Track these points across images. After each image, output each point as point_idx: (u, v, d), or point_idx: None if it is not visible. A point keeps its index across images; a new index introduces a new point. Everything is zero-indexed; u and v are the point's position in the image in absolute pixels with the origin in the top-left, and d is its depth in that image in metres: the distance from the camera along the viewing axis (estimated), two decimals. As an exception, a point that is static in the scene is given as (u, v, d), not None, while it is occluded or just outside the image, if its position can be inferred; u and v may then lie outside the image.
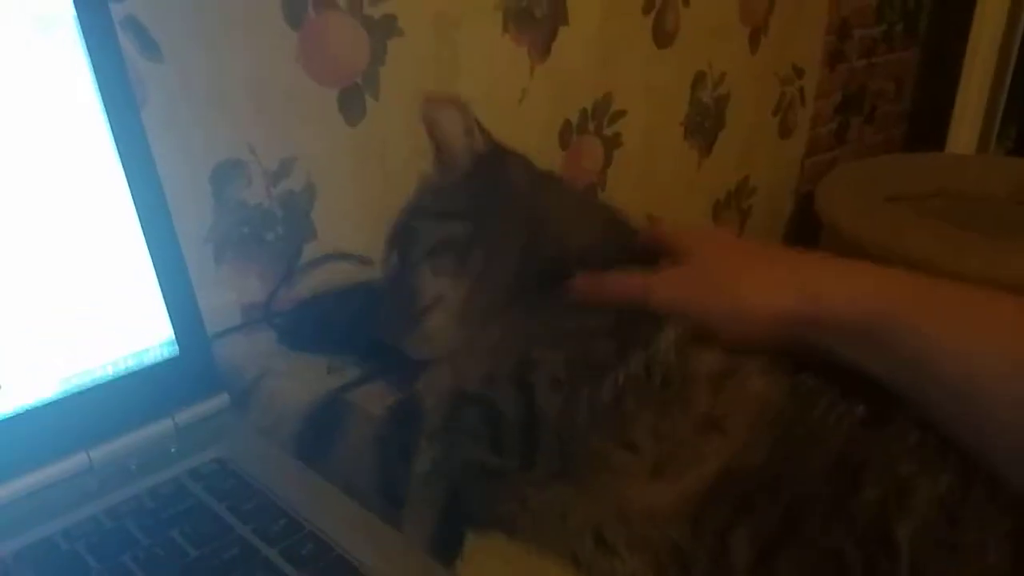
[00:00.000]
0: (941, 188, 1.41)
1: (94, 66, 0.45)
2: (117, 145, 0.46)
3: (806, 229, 1.37)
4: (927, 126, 1.66)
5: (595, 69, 0.96)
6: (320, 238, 0.73)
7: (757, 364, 0.46)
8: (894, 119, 1.66)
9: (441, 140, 0.57)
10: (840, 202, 1.27)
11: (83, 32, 0.44)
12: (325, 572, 0.39)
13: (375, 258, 0.71)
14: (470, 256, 0.53)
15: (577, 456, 0.44)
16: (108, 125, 0.46)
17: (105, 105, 0.46)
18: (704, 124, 1.15)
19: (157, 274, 0.48)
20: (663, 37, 1.02)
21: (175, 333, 0.48)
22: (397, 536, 0.42)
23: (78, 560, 0.39)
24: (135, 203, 0.47)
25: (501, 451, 0.45)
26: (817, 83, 1.36)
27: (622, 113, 1.01)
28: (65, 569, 0.39)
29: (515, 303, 0.52)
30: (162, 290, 0.48)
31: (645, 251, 0.54)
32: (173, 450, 0.46)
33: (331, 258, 0.73)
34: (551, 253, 0.54)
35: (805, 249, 0.52)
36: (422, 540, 0.43)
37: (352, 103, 0.72)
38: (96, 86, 0.45)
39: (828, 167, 1.43)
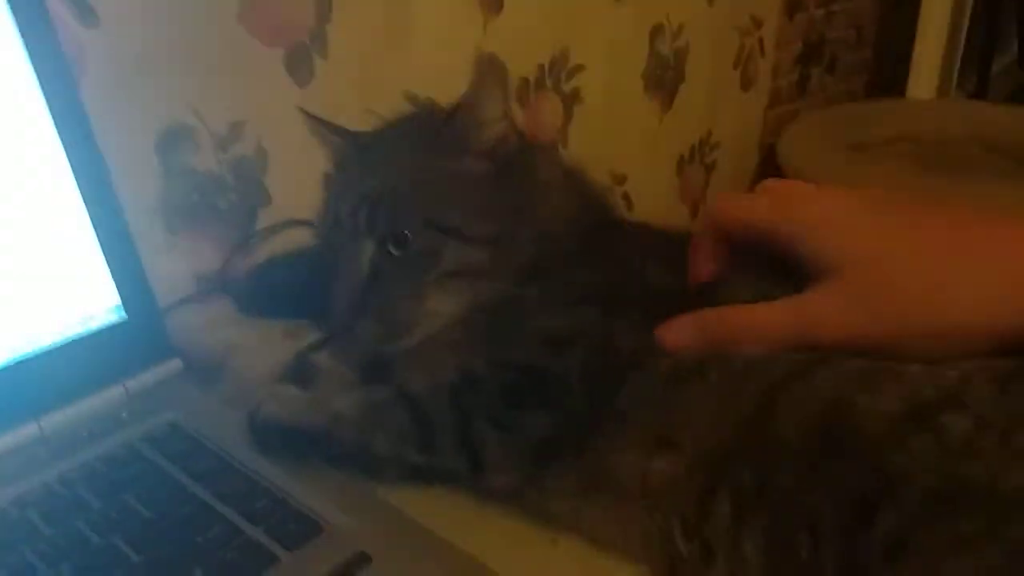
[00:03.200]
0: (903, 134, 1.41)
1: (23, 34, 0.44)
2: (52, 113, 0.46)
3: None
4: (888, 73, 1.66)
5: (550, 23, 0.95)
6: (274, 204, 0.72)
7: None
8: (855, 68, 1.66)
9: (475, 113, 0.52)
10: (802, 152, 1.27)
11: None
12: (283, 526, 0.38)
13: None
14: (481, 282, 0.49)
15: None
16: (42, 93, 0.45)
17: (38, 73, 0.45)
18: (664, 77, 1.14)
19: (100, 241, 0.47)
20: (618, -11, 1.01)
21: (122, 299, 0.48)
22: (357, 489, 0.42)
23: (30, 527, 0.39)
24: (74, 170, 0.46)
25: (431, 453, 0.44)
26: (776, 33, 1.36)
27: (580, 68, 1.00)
28: (17, 537, 0.38)
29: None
30: (106, 257, 0.47)
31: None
32: (124, 415, 0.46)
33: (286, 224, 0.72)
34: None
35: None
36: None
37: (300, 63, 0.71)
38: (27, 54, 0.44)
39: (790, 118, 1.43)
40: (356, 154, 0.57)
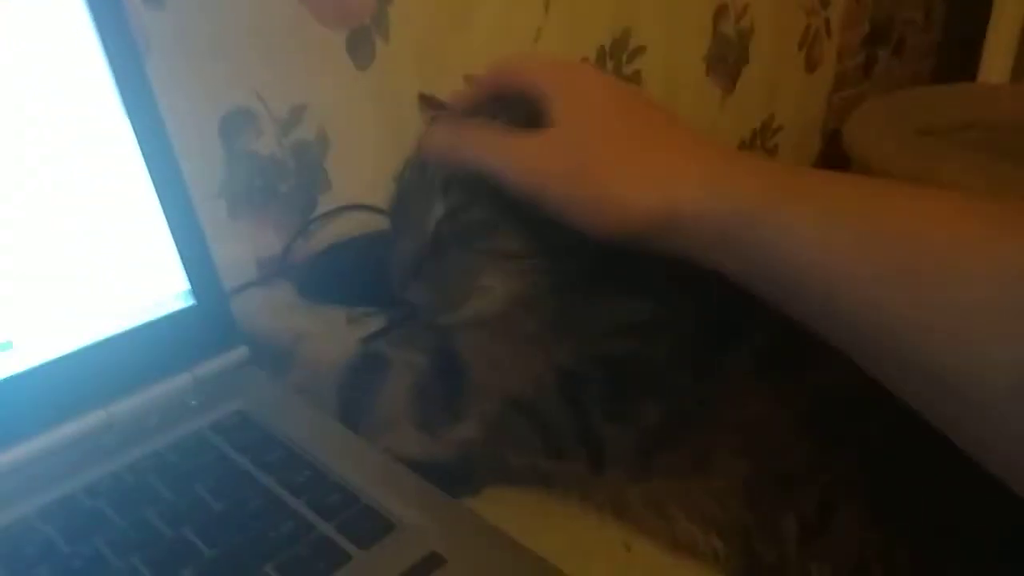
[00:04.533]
0: (974, 120, 1.35)
1: (95, 17, 0.43)
2: (123, 98, 0.45)
3: (835, 166, 1.33)
4: (958, 56, 1.60)
5: (612, 4, 0.92)
6: (335, 188, 0.72)
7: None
8: (923, 50, 1.59)
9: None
10: (869, 138, 1.22)
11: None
12: (356, 523, 0.37)
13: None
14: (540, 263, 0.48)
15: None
16: (113, 78, 0.45)
17: (109, 57, 0.44)
18: (727, 59, 1.11)
19: (169, 225, 0.47)
20: (682, -32, 0.98)
21: (191, 284, 0.47)
22: (423, 483, 0.41)
23: (101, 516, 0.38)
24: (143, 154, 0.46)
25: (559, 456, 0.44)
26: (843, 13, 1.31)
27: (641, 49, 0.97)
28: (89, 526, 0.38)
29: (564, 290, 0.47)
30: (175, 241, 0.47)
31: None
32: (193, 403, 0.45)
33: (347, 209, 0.71)
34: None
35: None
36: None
37: (361, 46, 0.70)
38: (99, 38, 0.44)
39: (856, 102, 1.38)
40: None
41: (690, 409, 0.42)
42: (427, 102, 0.55)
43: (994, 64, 1.55)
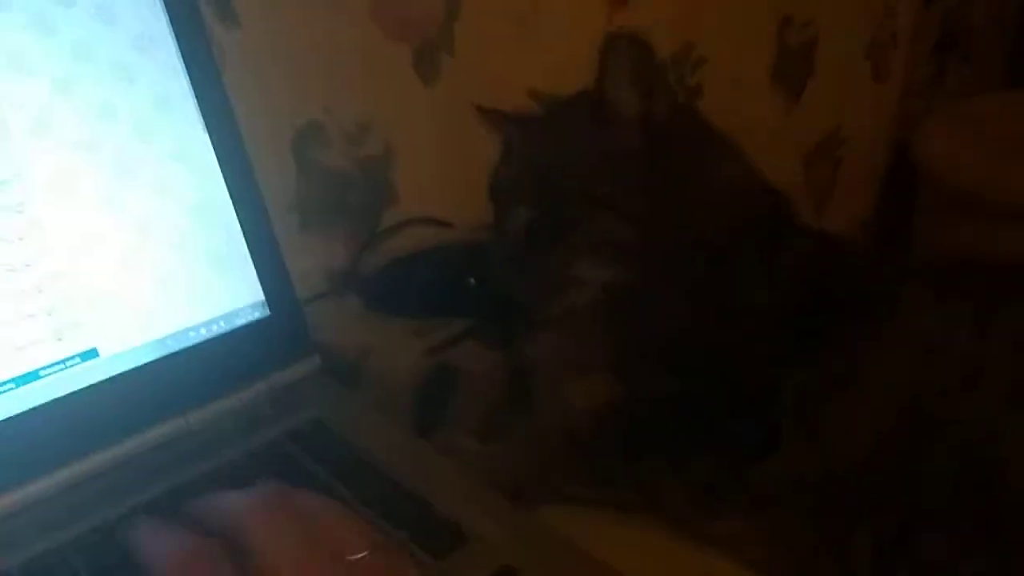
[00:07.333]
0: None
1: (178, 36, 0.45)
2: (203, 113, 0.46)
3: (901, 180, 1.30)
4: (1031, 64, 1.54)
5: (675, 16, 0.92)
6: (402, 202, 0.72)
7: None
8: (995, 60, 1.55)
9: (608, 89, 0.52)
10: (940, 146, 1.19)
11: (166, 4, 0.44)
12: (429, 534, 0.38)
13: (456, 221, 0.70)
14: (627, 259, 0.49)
15: None
16: (194, 94, 0.46)
17: (190, 74, 0.46)
18: (792, 70, 1.09)
19: (246, 238, 0.48)
20: (747, -21, 0.97)
21: (265, 295, 0.48)
22: (495, 495, 0.41)
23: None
24: (222, 167, 0.47)
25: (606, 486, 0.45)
26: (910, 23, 1.28)
27: (704, 61, 0.96)
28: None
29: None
30: (252, 254, 0.48)
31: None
32: (269, 412, 0.46)
33: (413, 222, 0.72)
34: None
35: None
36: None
37: (427, 60, 0.71)
38: (180, 55, 0.45)
39: (925, 112, 1.34)
40: (520, 133, 0.57)
41: (750, 463, 0.43)
42: (487, 115, 0.57)
43: (1071, 71, 1.50)
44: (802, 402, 0.43)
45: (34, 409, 0.41)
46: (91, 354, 0.43)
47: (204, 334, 0.46)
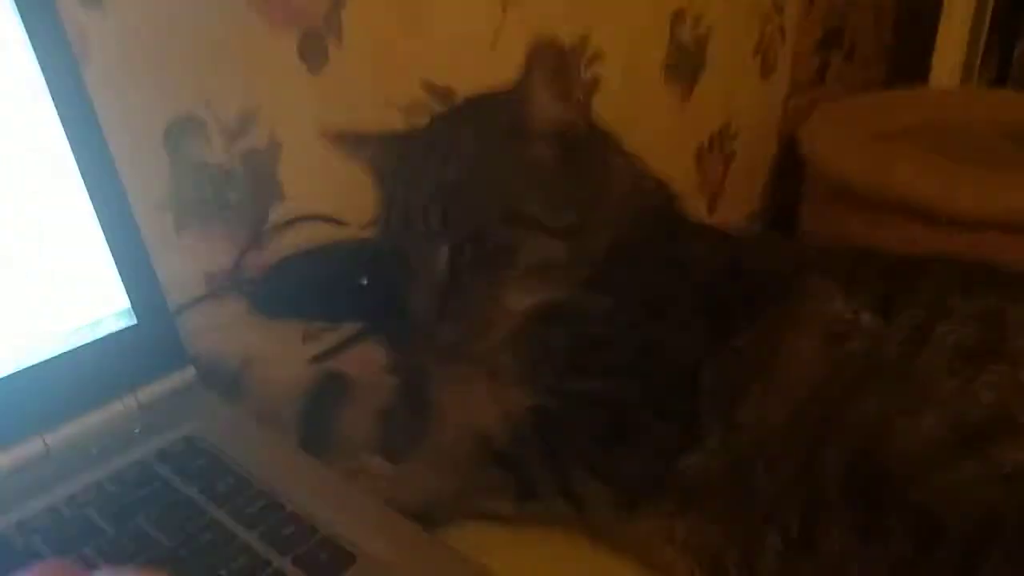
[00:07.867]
0: (926, 123, 1.37)
1: (24, 17, 0.41)
2: (56, 103, 0.42)
3: (790, 171, 1.34)
4: (909, 61, 1.62)
5: (570, 9, 0.91)
6: (288, 198, 0.69)
7: None
8: (875, 55, 1.62)
9: (530, 98, 0.50)
10: (825, 141, 1.23)
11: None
12: (314, 556, 0.35)
13: (347, 218, 0.67)
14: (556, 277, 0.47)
15: None
16: (46, 82, 0.42)
17: (40, 60, 0.42)
18: (685, 65, 1.10)
19: (107, 240, 0.44)
20: (639, -27, 0.97)
21: (131, 302, 0.44)
22: (386, 510, 0.39)
23: (35, 555, 0.35)
24: (79, 164, 0.43)
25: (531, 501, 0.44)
26: (797, 19, 1.32)
27: (599, 55, 0.96)
28: (20, 566, 0.35)
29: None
30: (114, 257, 0.44)
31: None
32: (137, 431, 0.42)
33: (301, 219, 0.69)
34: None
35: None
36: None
37: (313, 49, 0.67)
38: (27, 38, 0.41)
39: (810, 107, 1.39)
40: (414, 150, 0.54)
41: (671, 459, 0.42)
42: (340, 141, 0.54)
43: (944, 68, 1.58)
44: (718, 395, 0.43)
45: None
46: (-73, 372, 0.38)
47: (63, 345, 0.42)
